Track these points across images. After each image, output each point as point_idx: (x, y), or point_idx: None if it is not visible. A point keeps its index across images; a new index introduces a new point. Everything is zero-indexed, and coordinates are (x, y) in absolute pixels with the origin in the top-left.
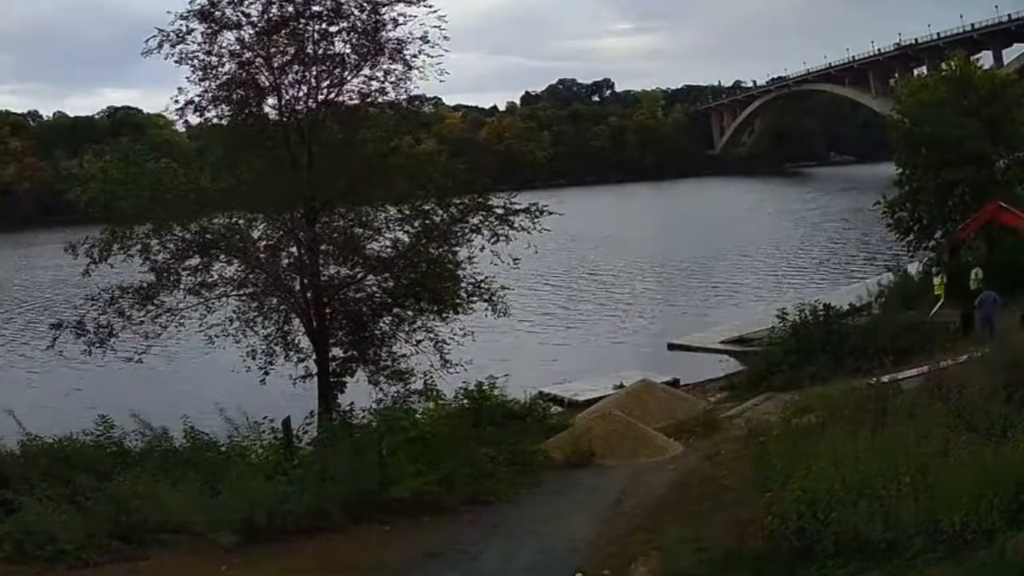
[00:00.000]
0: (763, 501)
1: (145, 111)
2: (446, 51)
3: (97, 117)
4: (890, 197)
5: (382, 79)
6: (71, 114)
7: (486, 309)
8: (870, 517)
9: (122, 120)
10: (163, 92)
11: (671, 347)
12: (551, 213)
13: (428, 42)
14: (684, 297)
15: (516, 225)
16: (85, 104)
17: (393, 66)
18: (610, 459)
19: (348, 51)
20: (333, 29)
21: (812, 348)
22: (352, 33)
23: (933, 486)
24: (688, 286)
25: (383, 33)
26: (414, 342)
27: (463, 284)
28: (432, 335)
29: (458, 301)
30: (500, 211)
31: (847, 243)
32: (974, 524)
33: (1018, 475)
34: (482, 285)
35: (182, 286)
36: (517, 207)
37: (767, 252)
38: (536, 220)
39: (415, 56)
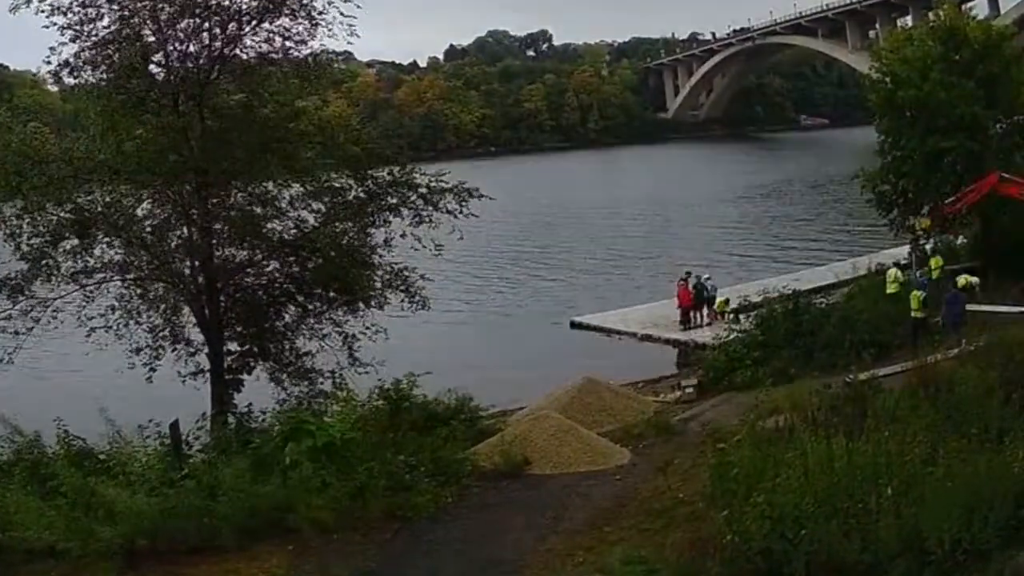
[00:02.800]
0: (723, 517)
1: (12, 68)
2: (359, 6)
3: None
4: (870, 168)
5: (284, 34)
6: None
7: (403, 301)
8: (846, 535)
9: None
10: (34, 46)
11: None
12: (482, 196)
13: None
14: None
15: (442, 206)
16: None
17: (297, 23)
18: (547, 468)
19: (245, 1)
20: None
21: (779, 341)
22: None
23: (919, 500)
24: (617, 269)
25: None
26: (321, 336)
27: (378, 272)
28: (341, 329)
29: (372, 292)
30: (424, 190)
31: (816, 221)
32: (966, 543)
33: (1017, 487)
34: (401, 274)
35: (59, 273)
36: (444, 186)
37: (722, 229)
38: (464, 203)
39: (322, 12)
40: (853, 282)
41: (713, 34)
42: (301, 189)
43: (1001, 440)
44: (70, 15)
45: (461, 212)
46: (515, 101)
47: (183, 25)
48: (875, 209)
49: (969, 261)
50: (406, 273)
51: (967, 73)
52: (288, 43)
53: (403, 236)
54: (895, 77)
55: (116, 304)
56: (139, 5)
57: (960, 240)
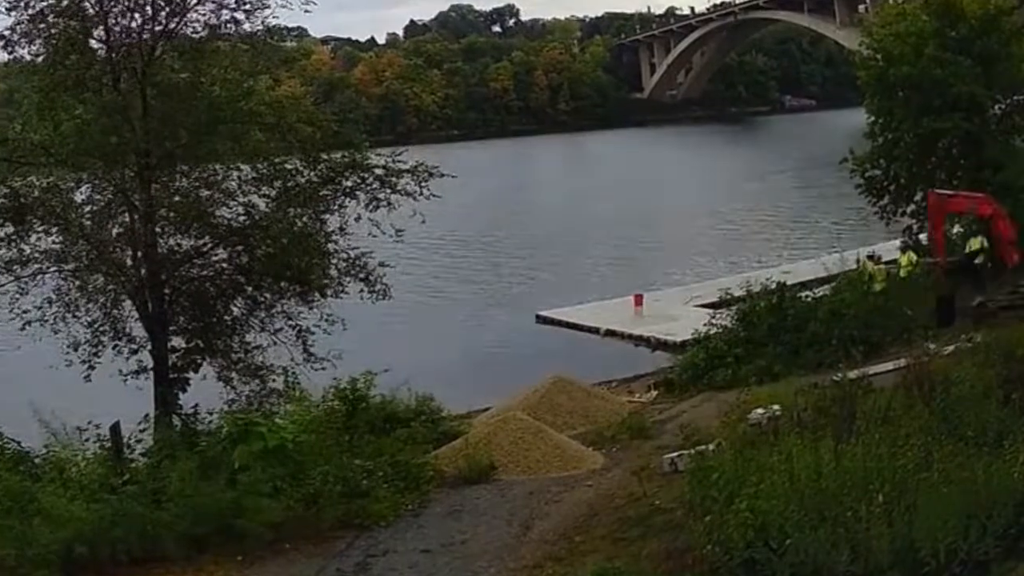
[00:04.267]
0: (703, 525)
1: None
2: None
3: None
4: (859, 152)
5: (233, 6)
6: None
7: (362, 291)
8: (834, 545)
9: None
10: None
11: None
12: (442, 175)
13: None
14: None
15: (400, 189)
16: None
17: None
18: (514, 473)
19: None
20: None
21: (762, 337)
22: None
23: (912, 507)
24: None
25: None
26: (272, 330)
27: (334, 260)
28: (294, 322)
29: (326, 281)
30: (380, 171)
31: (801, 208)
32: (963, 553)
33: (1017, 494)
34: (358, 262)
35: None
36: (402, 166)
37: (700, 219)
38: (424, 183)
39: None
40: (841, 276)
41: (692, 9)
42: (251, 172)
43: (1000, 443)
44: None
45: (421, 194)
46: (480, 80)
47: None
48: (865, 196)
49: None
50: (364, 260)
51: (964, 50)
52: (238, 14)
53: (357, 220)
54: (887, 54)
55: (53, 296)
56: None
57: (956, 230)
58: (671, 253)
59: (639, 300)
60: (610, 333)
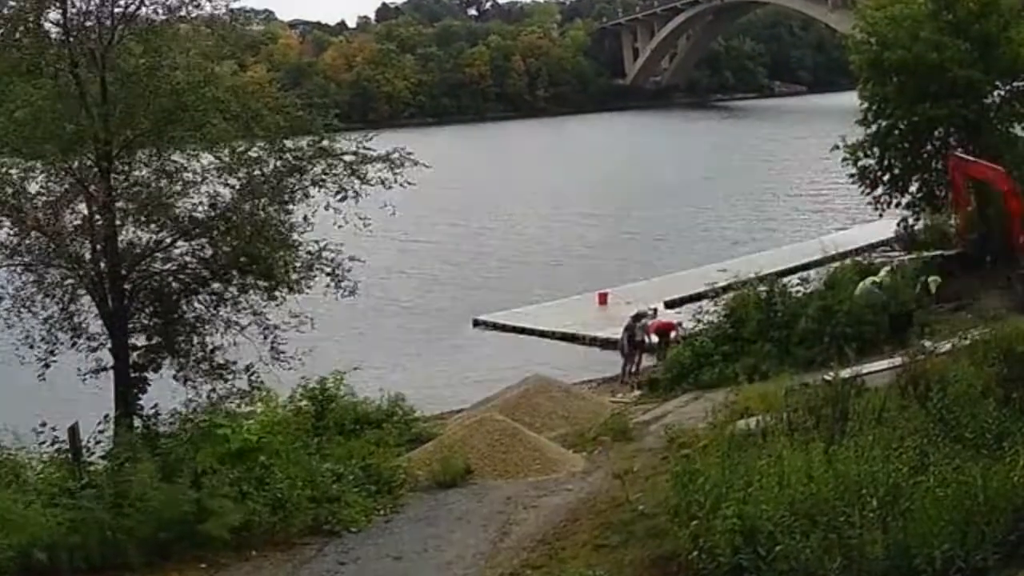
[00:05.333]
0: (688, 531)
1: None
2: None
3: None
4: (852, 139)
5: None
6: None
7: (328, 286)
8: (826, 552)
9: None
10: None
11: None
12: (416, 163)
13: None
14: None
15: (370, 177)
16: None
17: None
18: (491, 477)
19: None
20: None
21: (750, 334)
22: None
23: (907, 512)
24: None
25: None
26: (237, 328)
27: (299, 253)
28: (261, 319)
29: (294, 276)
30: (350, 159)
31: (791, 199)
32: (960, 561)
33: (1016, 498)
34: (323, 254)
35: None
36: (372, 154)
37: (685, 209)
38: (397, 171)
39: None
40: (831, 261)
41: None
42: (214, 161)
43: (999, 445)
44: None
45: (395, 182)
46: (455, 66)
47: None
48: (857, 185)
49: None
50: (330, 254)
51: (961, 33)
52: None
53: (327, 209)
54: (881, 38)
55: (5, 292)
56: None
57: (953, 221)
58: (643, 245)
59: (603, 298)
60: (559, 336)
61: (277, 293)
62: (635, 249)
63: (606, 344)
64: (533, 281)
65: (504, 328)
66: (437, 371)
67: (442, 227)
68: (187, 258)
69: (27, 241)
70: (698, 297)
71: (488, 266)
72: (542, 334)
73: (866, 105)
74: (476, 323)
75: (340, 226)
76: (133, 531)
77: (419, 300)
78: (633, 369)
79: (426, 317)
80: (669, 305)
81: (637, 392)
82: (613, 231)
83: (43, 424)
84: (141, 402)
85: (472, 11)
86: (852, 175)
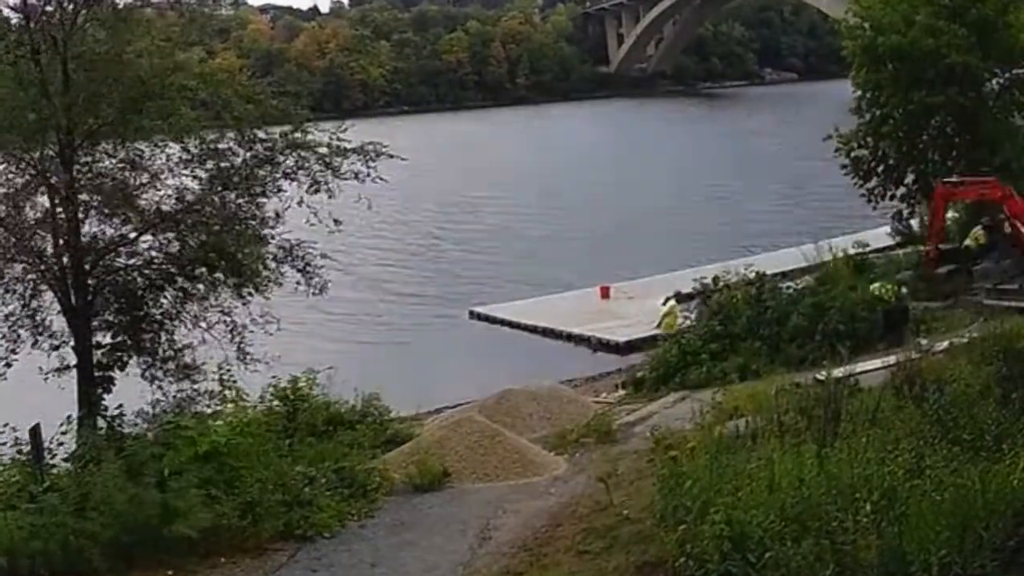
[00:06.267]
0: (675, 537)
1: None
2: None
3: None
4: (845, 129)
5: None
6: None
7: (298, 283)
8: (818, 558)
9: None
10: None
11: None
12: (391, 156)
13: None
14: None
15: (345, 170)
16: None
17: None
18: (469, 480)
19: None
20: None
21: (740, 332)
22: None
23: (902, 517)
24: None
25: None
26: (205, 326)
27: (270, 249)
28: (230, 317)
29: (266, 273)
30: (323, 151)
31: (781, 191)
32: (957, 567)
33: (1016, 502)
34: (295, 251)
35: None
36: (346, 146)
37: (670, 203)
38: (372, 164)
39: None
40: (825, 266)
41: None
42: (182, 152)
43: (998, 447)
44: None
45: (368, 175)
46: (433, 52)
47: None
48: (850, 177)
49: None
50: (301, 251)
51: (958, 17)
52: None
53: (300, 204)
54: (875, 22)
55: None
56: None
57: (951, 215)
58: (640, 239)
59: (605, 292)
60: (548, 332)
61: (245, 291)
62: (637, 243)
63: (601, 345)
64: (535, 272)
65: (501, 322)
66: (426, 367)
67: (431, 216)
68: (153, 253)
69: None
70: (700, 295)
71: (489, 256)
72: (534, 330)
73: (859, 93)
74: (472, 315)
75: (312, 224)
76: (97, 535)
77: (415, 289)
78: None
79: (422, 307)
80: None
81: (621, 392)
82: (610, 225)
83: (4, 425)
84: (105, 402)
85: None
86: (845, 166)
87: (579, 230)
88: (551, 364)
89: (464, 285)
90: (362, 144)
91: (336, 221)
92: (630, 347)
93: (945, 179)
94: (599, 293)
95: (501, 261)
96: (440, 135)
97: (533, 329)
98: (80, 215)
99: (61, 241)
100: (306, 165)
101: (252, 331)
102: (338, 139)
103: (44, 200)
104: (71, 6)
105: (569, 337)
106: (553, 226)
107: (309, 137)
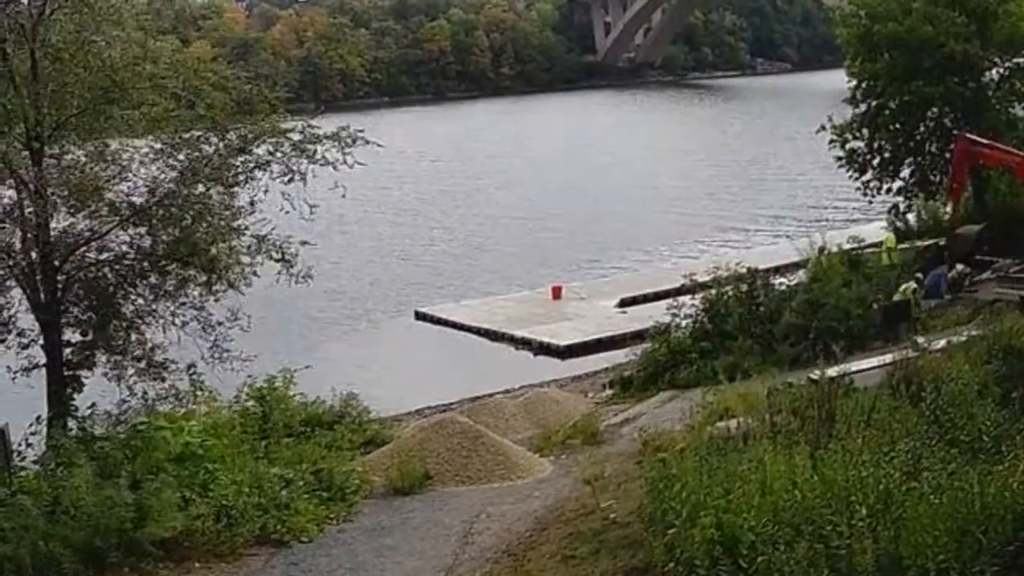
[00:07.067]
0: (663, 541)
1: None
2: None
3: None
4: (839, 120)
5: None
6: None
7: (279, 273)
8: (811, 563)
9: None
10: None
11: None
12: (367, 142)
13: None
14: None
15: (319, 158)
16: None
17: None
18: (451, 483)
19: None
20: None
21: (731, 330)
22: None
23: (898, 521)
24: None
25: None
26: (178, 323)
27: (244, 241)
28: (204, 313)
29: (239, 268)
30: (297, 138)
31: (773, 184)
32: (955, 572)
33: (1016, 505)
34: (271, 240)
35: None
36: (321, 132)
37: (658, 197)
38: (347, 151)
39: None
40: (817, 261)
41: None
42: (154, 144)
43: (997, 449)
44: None
45: (344, 162)
46: (414, 41)
47: None
48: (845, 170)
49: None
50: (279, 241)
51: (957, 4)
52: None
53: (266, 193)
54: (871, 10)
55: None
56: None
57: (947, 209)
58: (604, 238)
59: (557, 292)
60: (487, 334)
61: (216, 287)
62: (596, 241)
63: (542, 349)
64: (487, 271)
65: (445, 323)
66: (360, 371)
67: (392, 213)
68: (124, 248)
69: None
70: (656, 297)
71: (439, 254)
72: (477, 332)
73: (855, 83)
74: (418, 316)
75: (287, 212)
76: (67, 539)
77: (360, 289)
78: None
79: (367, 306)
80: (623, 304)
81: (608, 392)
82: (574, 221)
83: None
84: (76, 402)
85: None
86: (838, 159)
87: (544, 226)
88: (489, 368)
89: (415, 284)
90: (336, 130)
91: (311, 205)
92: (571, 351)
93: (969, 134)
94: (551, 293)
95: (455, 258)
96: (420, 128)
97: (477, 331)
98: (49, 209)
99: (29, 236)
100: (280, 152)
101: (244, 331)
102: (310, 128)
103: (11, 193)
104: None
105: (512, 340)
106: (516, 223)
107: (282, 125)
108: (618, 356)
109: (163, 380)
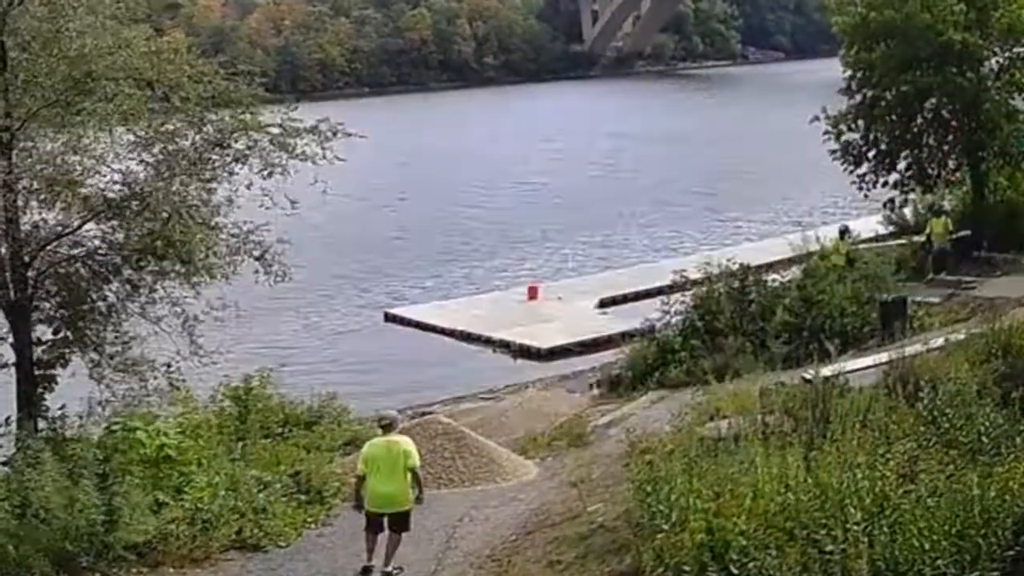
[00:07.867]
0: (651, 546)
1: None
2: None
3: None
4: (833, 111)
5: None
6: None
7: (256, 272)
8: (805, 568)
9: None
10: None
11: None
12: (349, 134)
13: None
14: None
15: (299, 151)
16: None
17: None
18: (433, 486)
19: None
20: None
21: (722, 328)
22: None
23: (895, 525)
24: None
25: None
26: (153, 319)
27: (223, 236)
28: (180, 309)
29: (215, 261)
30: (276, 131)
31: (765, 178)
32: None
33: (1017, 509)
34: (251, 237)
35: None
36: (300, 125)
37: (647, 192)
38: (327, 144)
39: None
40: (809, 258)
41: None
42: (128, 136)
43: (997, 451)
44: None
45: (323, 157)
46: (395, 30)
47: None
48: (840, 163)
49: (958, 229)
50: (258, 236)
51: None
52: None
53: (249, 188)
54: None
55: None
56: None
57: (947, 201)
58: (614, 230)
59: (534, 292)
60: (464, 336)
61: (196, 279)
62: (578, 238)
63: (527, 352)
64: (461, 270)
65: (417, 325)
66: (326, 375)
67: (370, 207)
68: (97, 242)
69: None
70: (637, 297)
71: (411, 251)
72: (451, 334)
73: (850, 73)
74: (388, 317)
75: (267, 208)
76: (38, 542)
77: (331, 288)
78: None
79: (332, 304)
80: (603, 304)
81: (595, 391)
82: (556, 218)
83: None
84: (47, 403)
85: None
86: (833, 152)
87: (523, 225)
88: (468, 372)
89: (391, 283)
90: (316, 123)
91: (292, 201)
92: (553, 355)
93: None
94: (527, 293)
95: (430, 256)
96: (400, 120)
97: (451, 333)
98: (19, 202)
99: (0, 231)
100: (259, 146)
101: (222, 324)
102: (288, 119)
103: None
104: None
105: (489, 342)
106: (494, 221)
107: (260, 118)
108: (603, 359)
109: (140, 378)
